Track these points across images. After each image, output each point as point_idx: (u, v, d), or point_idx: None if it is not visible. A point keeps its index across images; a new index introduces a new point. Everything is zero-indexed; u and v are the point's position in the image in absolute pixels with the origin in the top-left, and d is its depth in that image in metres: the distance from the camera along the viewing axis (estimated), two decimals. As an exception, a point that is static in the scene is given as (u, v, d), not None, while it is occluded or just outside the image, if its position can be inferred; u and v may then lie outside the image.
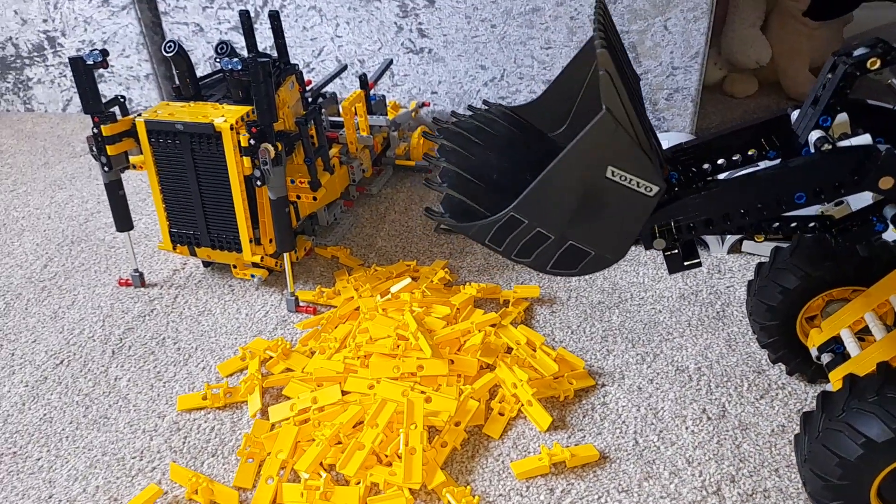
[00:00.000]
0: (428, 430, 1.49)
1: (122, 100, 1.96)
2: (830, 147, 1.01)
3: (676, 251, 1.18)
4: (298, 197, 2.04)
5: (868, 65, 1.05)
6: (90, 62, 1.77)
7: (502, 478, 1.42)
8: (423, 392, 1.53)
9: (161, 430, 1.56)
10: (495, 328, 1.75)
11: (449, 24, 2.83)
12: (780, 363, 1.62)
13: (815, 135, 1.13)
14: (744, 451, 1.44)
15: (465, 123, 1.31)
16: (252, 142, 1.72)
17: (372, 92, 2.66)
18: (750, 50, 3.13)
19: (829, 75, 1.12)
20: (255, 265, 2.02)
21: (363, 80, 2.51)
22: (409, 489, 1.35)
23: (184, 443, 1.53)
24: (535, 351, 1.68)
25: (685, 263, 1.20)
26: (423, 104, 3.01)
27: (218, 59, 1.85)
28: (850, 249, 1.30)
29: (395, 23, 2.87)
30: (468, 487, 1.38)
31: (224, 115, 1.79)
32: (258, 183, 1.76)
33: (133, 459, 1.50)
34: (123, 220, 1.99)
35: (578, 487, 1.39)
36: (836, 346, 1.40)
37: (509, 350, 1.70)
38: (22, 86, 3.49)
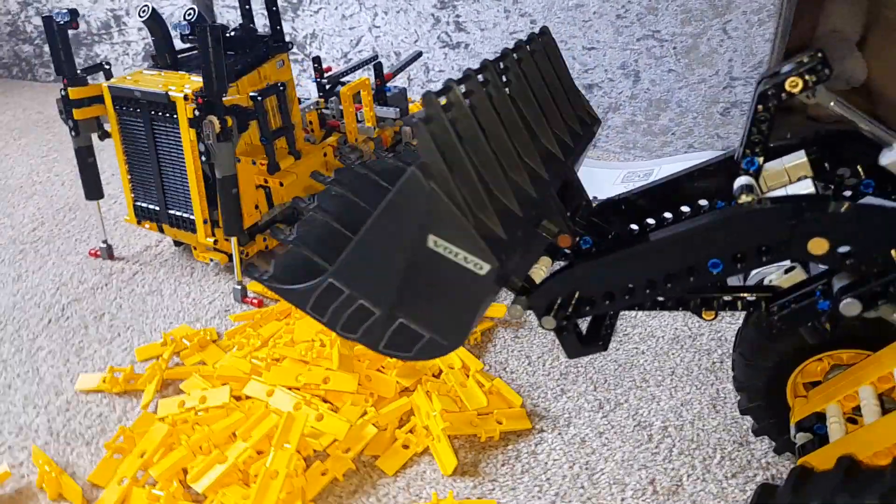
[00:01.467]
0: (313, 454, 1.28)
1: (107, 66, 1.91)
2: (750, 200, 0.79)
3: (567, 333, 0.93)
4: (281, 185, 1.90)
5: (787, 86, 0.80)
6: (61, 21, 1.72)
7: (376, 523, 1.19)
8: (318, 409, 1.33)
9: (50, 408, 1.46)
10: (436, 347, 1.51)
11: (487, 17, 2.62)
12: (766, 436, 1.28)
13: (738, 182, 0.84)
14: (685, 541, 1.12)
15: (379, 164, 1.09)
16: (197, 113, 1.60)
17: (391, 83, 2.49)
18: (842, 66, 2.69)
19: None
20: (216, 249, 1.90)
21: (377, 68, 2.35)
22: (261, 519, 1.15)
23: (65, 425, 1.41)
24: (466, 378, 1.43)
25: (583, 347, 0.95)
26: (456, 103, 2.81)
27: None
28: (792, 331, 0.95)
29: (433, 14, 2.70)
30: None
31: (188, 85, 1.68)
32: (202, 158, 1.64)
33: (10, 435, 1.40)
34: (93, 189, 1.93)
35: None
36: (818, 426, 1.06)
37: (440, 374, 1.46)
38: (91, 61, 3.63)
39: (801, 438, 1.06)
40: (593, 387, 1.46)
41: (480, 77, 0.87)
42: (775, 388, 1.18)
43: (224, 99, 1.62)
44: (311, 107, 2.20)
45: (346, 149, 2.21)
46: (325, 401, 1.38)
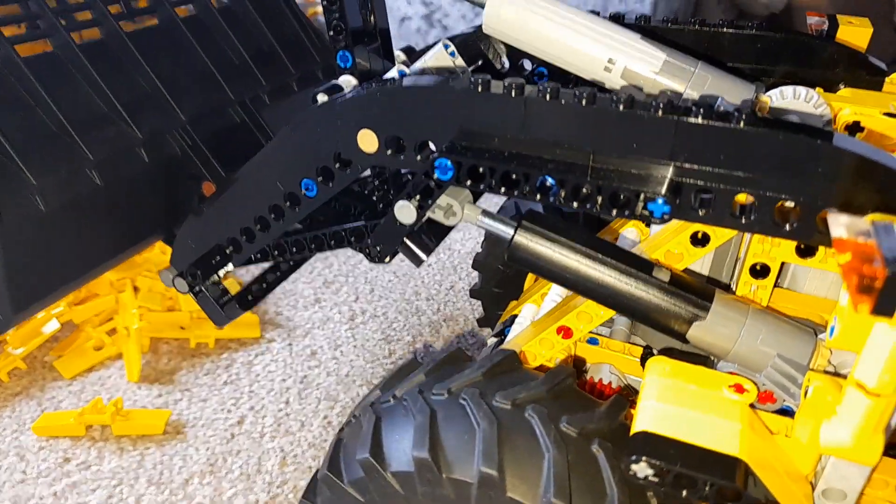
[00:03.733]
0: (-19, 349, 1.09)
1: None
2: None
3: (203, 293, 0.77)
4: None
5: None
6: None
7: (19, 429, 1.00)
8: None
9: None
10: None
11: None
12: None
13: (336, 81, 0.68)
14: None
15: None
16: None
17: None
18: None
19: None
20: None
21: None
22: None
23: None
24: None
25: (225, 310, 0.79)
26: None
27: None
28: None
29: None
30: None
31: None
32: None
33: None
34: None
35: (98, 468, 0.94)
36: (507, 328, 0.86)
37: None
38: None
39: (491, 341, 0.86)
40: (355, 297, 1.26)
41: None
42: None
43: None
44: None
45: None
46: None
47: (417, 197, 0.56)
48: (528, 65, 0.78)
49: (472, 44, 0.75)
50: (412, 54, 0.74)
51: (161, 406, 1.04)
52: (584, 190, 0.50)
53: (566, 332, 0.67)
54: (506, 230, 0.58)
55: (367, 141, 0.57)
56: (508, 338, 0.78)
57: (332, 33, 0.71)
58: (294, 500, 0.90)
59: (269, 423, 1.01)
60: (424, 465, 0.53)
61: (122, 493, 0.91)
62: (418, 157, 0.55)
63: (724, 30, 0.73)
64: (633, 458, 0.47)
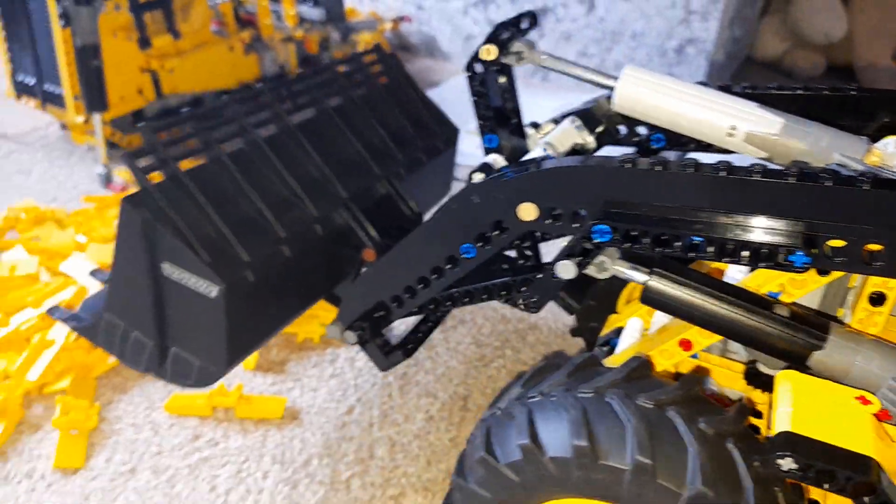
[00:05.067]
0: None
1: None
2: (482, 179, 0.73)
3: (370, 344, 0.87)
4: (163, 68, 1.78)
5: (482, 55, 0.81)
6: None
7: (150, 406, 1.09)
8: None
9: None
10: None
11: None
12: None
13: (486, 160, 0.81)
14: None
15: None
16: (56, -30, 1.48)
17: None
18: (819, 19, 2.50)
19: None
20: (93, 133, 1.79)
21: (306, -37, 2.20)
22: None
23: None
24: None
25: (389, 358, 0.89)
26: (404, 18, 2.65)
27: None
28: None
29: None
30: (97, 406, 1.07)
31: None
32: (61, 23, 1.51)
33: None
34: (-28, 58, 1.82)
35: (225, 445, 1.04)
36: (613, 339, 0.94)
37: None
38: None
39: (599, 352, 0.95)
40: (443, 302, 1.35)
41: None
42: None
43: (90, -42, 1.49)
44: (226, -2, 2.07)
45: (258, 45, 2.08)
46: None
47: (578, 256, 0.65)
48: (642, 130, 0.88)
49: (592, 115, 0.86)
50: (538, 127, 0.87)
51: (275, 393, 1.13)
52: (729, 246, 0.59)
53: (686, 345, 0.76)
54: (641, 277, 0.67)
55: (527, 211, 0.67)
56: (619, 347, 0.86)
57: (480, 121, 0.86)
58: (406, 484, 0.99)
59: (375, 414, 1.10)
60: (583, 452, 0.62)
61: (250, 469, 1.00)
62: (573, 224, 0.65)
63: (824, 92, 0.81)
64: (779, 453, 0.55)
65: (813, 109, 0.82)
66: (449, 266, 0.76)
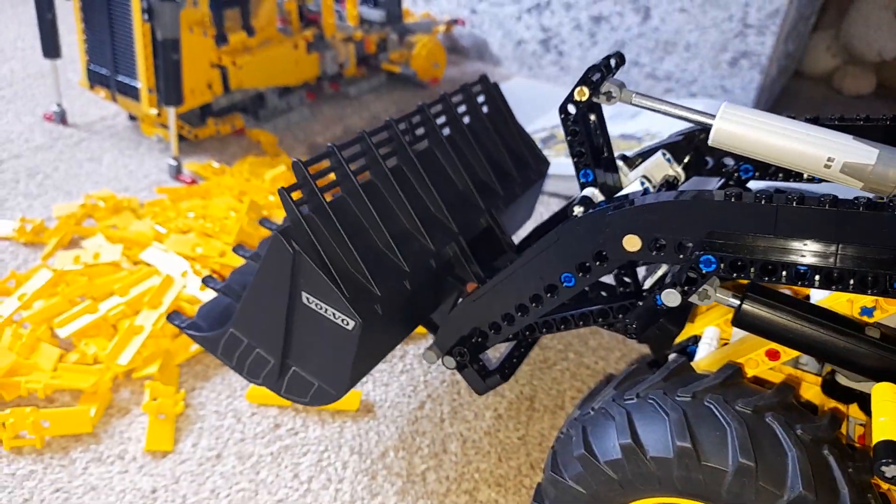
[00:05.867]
0: (191, 320, 1.24)
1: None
2: (581, 211, 0.80)
3: (468, 368, 0.92)
4: (234, 64, 1.83)
5: (576, 96, 0.85)
6: None
7: (232, 395, 1.14)
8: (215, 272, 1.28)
9: (-48, 247, 1.44)
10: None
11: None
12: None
13: (584, 193, 0.87)
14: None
15: None
16: (141, -33, 1.53)
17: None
18: (874, 37, 2.49)
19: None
20: (163, 125, 1.85)
21: (367, -34, 2.25)
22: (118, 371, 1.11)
23: (-42, 265, 1.39)
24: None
25: (487, 381, 0.94)
26: (457, 21, 2.68)
27: None
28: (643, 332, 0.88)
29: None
30: (182, 392, 1.12)
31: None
32: (145, 17, 1.57)
33: None
34: (50, 46, 1.88)
35: (305, 434, 1.08)
36: (691, 346, 0.97)
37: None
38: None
39: (672, 358, 0.97)
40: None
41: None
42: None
43: (173, -43, 1.55)
44: (292, -3, 2.12)
45: (320, 44, 2.13)
46: (217, 273, 1.32)
47: (683, 285, 0.68)
48: (729, 161, 0.91)
49: (681, 148, 0.91)
50: (627, 160, 0.90)
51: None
52: (835, 274, 0.62)
53: (773, 355, 0.78)
54: (734, 301, 0.70)
55: (632, 243, 0.71)
56: (699, 355, 0.89)
57: (574, 158, 0.90)
58: (479, 479, 1.03)
59: (446, 410, 1.14)
60: (685, 453, 0.65)
61: (330, 458, 1.04)
62: (679, 255, 0.69)
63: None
64: (885, 460, 0.58)
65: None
66: (548, 294, 0.80)
